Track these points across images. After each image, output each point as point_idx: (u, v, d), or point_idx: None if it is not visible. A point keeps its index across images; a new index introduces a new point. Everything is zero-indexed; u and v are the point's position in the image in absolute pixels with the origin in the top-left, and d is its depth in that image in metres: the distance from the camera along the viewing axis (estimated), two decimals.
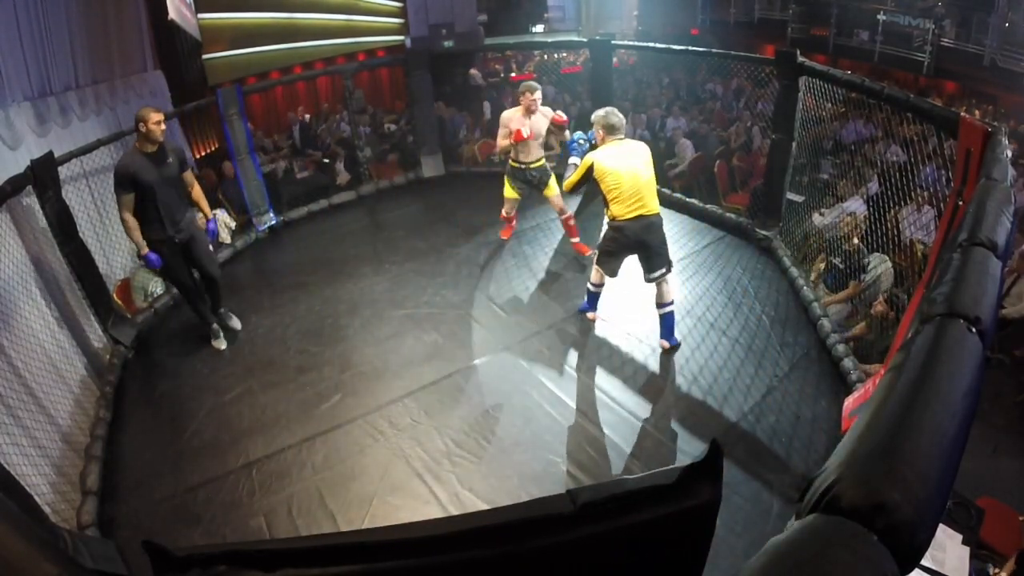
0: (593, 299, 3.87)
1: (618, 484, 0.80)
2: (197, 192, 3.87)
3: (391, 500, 2.77)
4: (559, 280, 4.45)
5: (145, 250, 3.53)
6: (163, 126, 3.43)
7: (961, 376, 0.93)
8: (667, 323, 3.61)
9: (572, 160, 3.69)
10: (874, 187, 5.15)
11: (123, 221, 3.48)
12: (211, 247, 4.02)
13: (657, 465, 2.85)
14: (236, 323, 4.18)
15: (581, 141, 3.78)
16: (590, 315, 3.92)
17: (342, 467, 2.96)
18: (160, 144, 3.47)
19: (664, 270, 3.50)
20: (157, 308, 4.42)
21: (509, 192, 4.60)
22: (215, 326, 3.99)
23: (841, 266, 4.17)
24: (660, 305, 3.58)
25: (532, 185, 4.52)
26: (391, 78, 10.60)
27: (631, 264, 4.56)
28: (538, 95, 4.22)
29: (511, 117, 4.29)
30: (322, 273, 4.79)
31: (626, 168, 3.27)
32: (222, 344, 3.98)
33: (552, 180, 4.51)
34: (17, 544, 0.83)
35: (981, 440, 3.49)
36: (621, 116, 3.43)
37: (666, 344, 3.62)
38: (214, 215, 4.19)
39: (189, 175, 3.78)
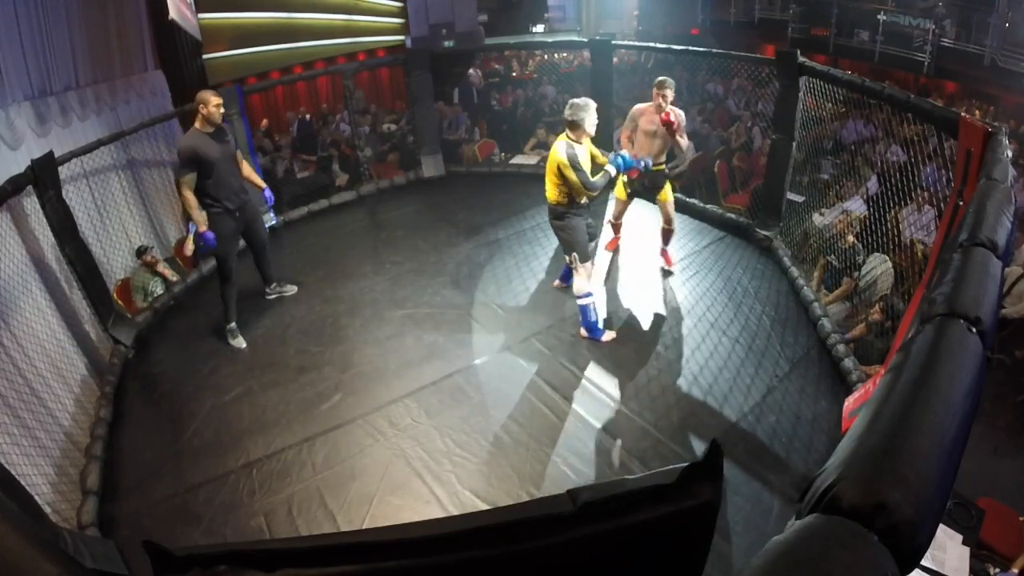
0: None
1: (618, 484, 0.80)
2: (247, 169, 4.06)
3: (391, 500, 2.77)
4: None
5: (204, 227, 3.68)
6: (222, 109, 3.67)
7: (961, 376, 0.93)
8: (581, 314, 3.73)
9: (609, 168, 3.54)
10: (873, 186, 5.15)
11: (184, 199, 3.66)
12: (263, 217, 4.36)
13: (657, 465, 2.85)
14: (291, 289, 4.49)
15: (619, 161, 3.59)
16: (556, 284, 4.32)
17: (342, 467, 2.96)
18: (219, 124, 3.68)
19: (566, 256, 3.68)
20: (157, 308, 4.42)
21: (620, 192, 4.35)
22: (233, 325, 4.00)
23: (837, 264, 4.17)
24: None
25: (645, 189, 4.21)
26: (391, 78, 10.60)
27: (630, 267, 4.58)
28: (668, 92, 3.84)
29: (642, 111, 3.99)
30: (322, 273, 4.79)
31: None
32: (241, 343, 3.97)
33: (667, 186, 4.15)
34: (17, 544, 0.83)
35: (982, 440, 3.49)
36: (574, 110, 3.34)
37: (583, 333, 3.76)
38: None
39: (239, 153, 3.98)
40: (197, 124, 3.64)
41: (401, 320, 4.09)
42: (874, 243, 4.06)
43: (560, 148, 3.35)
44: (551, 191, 3.52)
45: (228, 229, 3.79)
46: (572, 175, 3.33)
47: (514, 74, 11.29)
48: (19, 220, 3.53)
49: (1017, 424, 3.79)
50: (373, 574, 0.75)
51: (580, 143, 3.39)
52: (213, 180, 3.65)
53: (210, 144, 3.61)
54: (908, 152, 4.39)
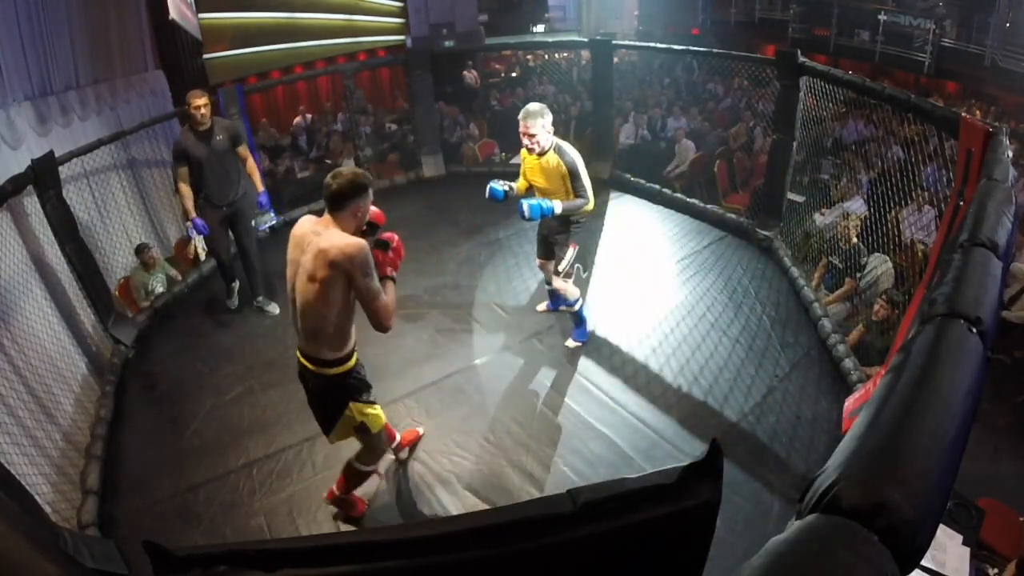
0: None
1: (618, 484, 0.80)
2: (250, 166, 4.10)
3: (391, 500, 2.77)
4: None
5: (192, 215, 3.84)
6: (204, 110, 3.73)
7: (962, 377, 0.93)
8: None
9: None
10: (865, 183, 5.15)
11: (177, 190, 3.90)
12: (254, 223, 4.33)
13: (657, 465, 2.84)
14: (273, 309, 4.30)
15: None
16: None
17: (342, 467, 2.95)
18: (210, 124, 3.80)
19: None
20: (158, 307, 4.41)
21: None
22: (233, 285, 4.28)
23: (840, 265, 4.17)
24: None
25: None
26: (392, 78, 10.61)
27: (629, 267, 4.58)
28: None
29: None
30: None
31: None
32: (234, 303, 4.31)
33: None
34: (17, 544, 0.83)
35: (982, 441, 3.49)
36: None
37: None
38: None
39: (243, 150, 4.00)
40: (188, 122, 3.80)
41: (401, 320, 4.08)
42: (874, 243, 4.06)
43: None
44: None
45: (214, 221, 3.92)
46: None
47: (514, 74, 11.30)
48: (19, 220, 3.53)
49: (1017, 425, 3.78)
50: (373, 574, 0.75)
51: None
52: (198, 176, 3.81)
53: (195, 143, 3.75)
54: (908, 152, 4.38)
